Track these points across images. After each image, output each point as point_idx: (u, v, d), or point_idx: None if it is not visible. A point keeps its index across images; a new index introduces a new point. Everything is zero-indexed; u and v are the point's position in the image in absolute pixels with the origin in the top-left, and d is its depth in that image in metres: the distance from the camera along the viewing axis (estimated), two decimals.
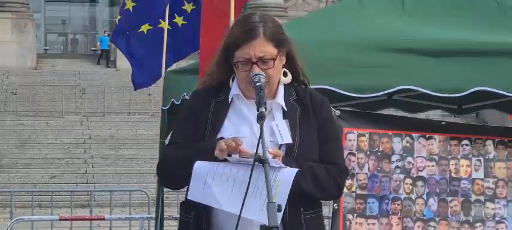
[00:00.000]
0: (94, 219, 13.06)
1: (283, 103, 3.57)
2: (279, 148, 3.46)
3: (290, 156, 3.46)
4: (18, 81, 29.02)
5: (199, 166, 3.38)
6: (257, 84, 3.43)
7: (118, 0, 38.85)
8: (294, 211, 3.44)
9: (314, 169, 3.48)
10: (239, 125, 3.53)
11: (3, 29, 31.87)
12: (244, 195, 3.24)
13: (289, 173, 3.34)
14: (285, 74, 3.61)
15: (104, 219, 11.87)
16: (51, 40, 44.10)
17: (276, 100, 3.57)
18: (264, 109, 3.29)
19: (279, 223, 3.32)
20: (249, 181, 3.24)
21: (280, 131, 3.50)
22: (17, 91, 27.42)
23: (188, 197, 3.42)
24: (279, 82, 3.60)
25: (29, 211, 14.86)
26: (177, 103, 6.13)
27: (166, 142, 4.83)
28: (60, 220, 10.55)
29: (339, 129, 3.80)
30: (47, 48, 41.56)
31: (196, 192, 3.38)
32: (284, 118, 3.56)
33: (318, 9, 31.04)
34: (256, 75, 3.46)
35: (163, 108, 6.81)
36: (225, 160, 3.38)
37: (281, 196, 3.28)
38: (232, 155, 3.37)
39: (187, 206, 3.57)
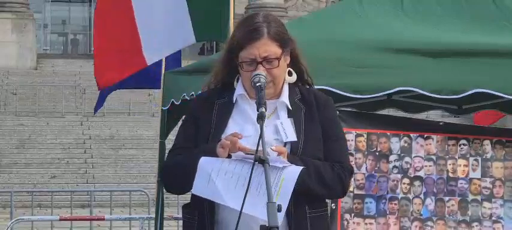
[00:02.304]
0: (94, 219, 13.09)
1: (288, 102, 3.59)
2: (284, 146, 3.49)
3: (295, 154, 3.48)
4: (18, 81, 29.01)
5: (204, 161, 3.40)
6: (257, 84, 3.45)
7: None
8: (299, 209, 3.46)
9: (319, 167, 3.50)
10: (243, 125, 3.55)
11: (3, 29, 31.86)
12: (245, 193, 3.26)
13: (294, 171, 3.36)
14: (289, 73, 3.64)
15: (104, 219, 11.89)
16: (51, 40, 44.06)
17: (280, 99, 3.60)
18: (264, 110, 3.32)
19: (284, 221, 3.35)
20: (249, 180, 3.27)
21: (285, 129, 3.52)
22: (17, 91, 27.42)
23: (192, 192, 3.44)
24: (284, 81, 3.63)
25: (29, 211, 14.88)
26: (177, 103, 6.14)
27: (166, 142, 4.86)
28: (60, 220, 10.57)
29: (343, 129, 3.81)
30: (47, 48, 41.54)
31: (200, 187, 3.41)
32: (289, 116, 3.58)
33: (318, 9, 31.03)
34: (256, 75, 3.48)
35: (163, 108, 6.82)
36: (229, 157, 3.40)
37: (284, 194, 3.31)
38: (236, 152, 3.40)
39: (191, 207, 3.58)
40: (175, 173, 3.58)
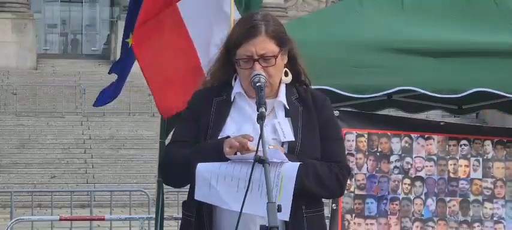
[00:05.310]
0: (94, 219, 13.11)
1: (285, 102, 3.60)
2: (282, 146, 3.48)
3: (292, 153, 3.48)
4: (18, 81, 29.02)
5: (202, 168, 3.39)
6: (257, 84, 3.45)
7: (118, 0, 38.90)
8: (295, 209, 3.44)
9: (316, 167, 3.50)
10: (241, 123, 3.55)
11: (3, 29, 31.87)
12: (245, 193, 3.25)
13: (292, 168, 3.36)
14: (285, 74, 3.64)
15: (104, 219, 11.89)
16: (51, 40, 44.08)
17: (278, 98, 3.60)
18: (264, 110, 3.32)
19: (281, 220, 3.34)
20: (249, 181, 3.27)
21: (283, 129, 3.52)
22: (17, 92, 27.44)
23: (195, 198, 3.44)
24: (280, 81, 3.62)
25: (29, 211, 14.87)
26: None
27: (166, 142, 4.84)
28: (60, 220, 10.56)
29: (340, 128, 3.82)
30: (47, 48, 41.57)
31: (202, 194, 3.40)
32: (286, 116, 3.58)
33: (318, 9, 31.04)
34: (256, 75, 3.48)
35: None
36: (226, 159, 3.40)
37: (286, 192, 3.31)
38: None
39: (189, 205, 3.58)
40: (174, 167, 3.58)
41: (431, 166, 5.23)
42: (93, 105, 7.41)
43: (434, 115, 16.55)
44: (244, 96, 3.60)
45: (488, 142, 5.31)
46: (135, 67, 7.98)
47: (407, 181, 5.20)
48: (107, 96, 7.05)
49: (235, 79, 3.65)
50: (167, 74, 5.53)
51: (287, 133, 3.52)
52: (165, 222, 7.76)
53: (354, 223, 5.14)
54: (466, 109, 6.98)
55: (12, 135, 25.11)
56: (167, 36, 5.52)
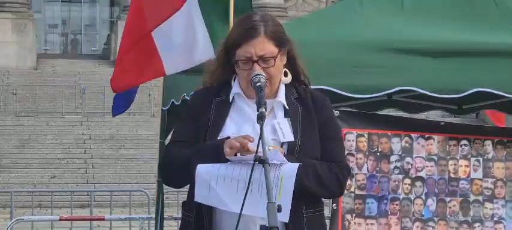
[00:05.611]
0: (94, 219, 13.11)
1: (284, 102, 3.60)
2: (281, 146, 3.49)
3: (292, 154, 3.48)
4: (18, 81, 29.02)
5: (201, 169, 3.39)
6: (257, 85, 3.45)
7: (118, 0, 38.90)
8: (295, 209, 3.44)
9: (316, 167, 3.50)
10: (241, 124, 3.55)
11: (3, 29, 31.87)
12: (245, 194, 3.25)
13: (292, 168, 3.36)
14: (285, 74, 3.64)
15: (103, 219, 11.89)
16: (51, 40, 44.09)
17: (277, 99, 3.60)
18: (264, 110, 3.32)
19: (281, 221, 3.34)
20: (249, 181, 3.27)
21: (282, 129, 3.52)
22: (17, 92, 27.44)
23: (195, 200, 3.43)
24: (280, 81, 3.62)
25: (29, 211, 14.87)
26: (177, 103, 6.13)
27: (166, 142, 4.85)
28: (60, 220, 10.57)
29: (340, 128, 3.82)
30: (47, 48, 41.58)
31: (202, 195, 3.40)
32: (286, 116, 3.58)
33: (318, 9, 31.04)
34: (256, 75, 3.48)
35: (163, 109, 6.81)
36: (226, 160, 3.39)
37: (286, 193, 3.31)
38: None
39: (189, 205, 3.58)
40: (174, 168, 3.58)
41: (431, 166, 5.23)
42: (113, 116, 7.47)
43: (434, 115, 16.53)
44: (243, 96, 3.60)
45: (488, 142, 5.31)
46: None
47: (407, 181, 5.20)
48: (124, 101, 7.11)
49: (234, 80, 3.65)
50: (126, 63, 5.88)
51: (287, 134, 3.52)
52: (165, 222, 7.77)
53: (354, 223, 5.14)
54: (466, 109, 6.98)
55: (12, 135, 25.11)
56: (139, 54, 5.87)
